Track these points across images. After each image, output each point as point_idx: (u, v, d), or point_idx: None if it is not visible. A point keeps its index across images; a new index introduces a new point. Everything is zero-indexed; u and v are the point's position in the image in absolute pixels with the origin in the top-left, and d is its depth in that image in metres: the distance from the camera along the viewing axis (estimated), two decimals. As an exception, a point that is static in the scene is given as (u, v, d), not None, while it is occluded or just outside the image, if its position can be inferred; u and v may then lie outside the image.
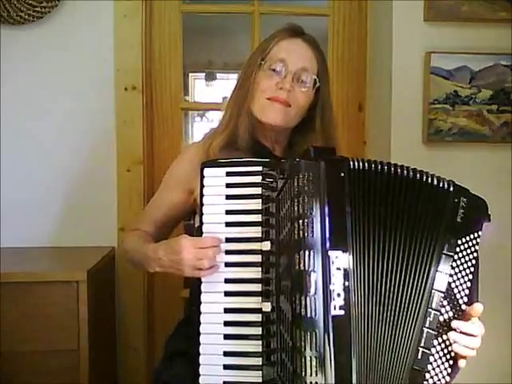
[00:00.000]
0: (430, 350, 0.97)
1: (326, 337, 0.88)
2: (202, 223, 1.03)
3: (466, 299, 1.00)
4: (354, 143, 1.98)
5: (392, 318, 0.95)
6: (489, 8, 1.72)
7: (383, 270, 0.95)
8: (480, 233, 1.03)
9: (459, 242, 1.00)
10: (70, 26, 1.78)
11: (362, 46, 1.97)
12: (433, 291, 0.98)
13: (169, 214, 1.25)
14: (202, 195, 1.04)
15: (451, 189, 1.02)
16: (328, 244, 0.90)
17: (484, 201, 1.05)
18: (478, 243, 1.02)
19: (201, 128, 4.17)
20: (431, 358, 0.97)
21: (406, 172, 1.00)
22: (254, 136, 1.24)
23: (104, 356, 1.68)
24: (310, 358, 0.88)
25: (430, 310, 0.97)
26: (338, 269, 0.90)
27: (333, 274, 0.89)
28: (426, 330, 0.97)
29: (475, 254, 1.02)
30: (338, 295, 0.89)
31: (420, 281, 0.97)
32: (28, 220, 1.81)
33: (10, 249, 1.75)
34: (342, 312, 0.89)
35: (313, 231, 0.90)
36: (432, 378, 0.98)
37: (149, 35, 1.88)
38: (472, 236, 1.02)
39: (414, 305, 0.97)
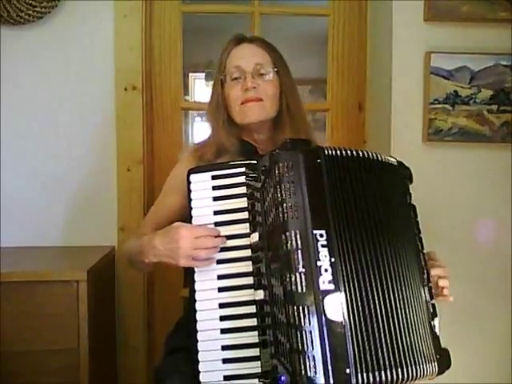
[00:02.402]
0: (432, 299, 1.06)
1: (319, 309, 0.90)
2: None
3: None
4: (354, 143, 1.98)
5: (392, 279, 0.98)
6: (489, 8, 1.72)
7: (369, 243, 0.98)
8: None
9: (412, 202, 1.13)
10: (70, 26, 1.78)
11: (362, 46, 1.97)
12: (420, 253, 1.08)
13: (169, 218, 1.26)
14: (190, 200, 1.10)
15: (395, 163, 1.13)
16: (311, 223, 0.95)
17: (408, 167, 1.16)
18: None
19: (201, 128, 4.17)
20: (436, 306, 1.06)
21: (373, 155, 1.07)
22: (241, 138, 1.32)
23: (104, 355, 1.68)
24: (305, 331, 0.90)
25: (422, 269, 1.06)
26: (323, 246, 0.94)
27: (319, 251, 0.93)
28: (425, 287, 1.05)
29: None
30: (326, 270, 0.93)
31: (408, 248, 1.05)
32: (28, 220, 1.81)
33: (9, 248, 1.75)
34: (332, 286, 0.92)
35: (296, 213, 0.95)
36: (437, 321, 1.05)
37: (149, 35, 1.89)
38: (412, 196, 1.13)
39: (410, 266, 1.03)
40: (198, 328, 1.03)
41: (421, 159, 1.76)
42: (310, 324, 0.90)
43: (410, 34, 1.74)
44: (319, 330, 0.89)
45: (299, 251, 0.93)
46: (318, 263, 0.93)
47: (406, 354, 0.95)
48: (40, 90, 1.79)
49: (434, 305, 1.05)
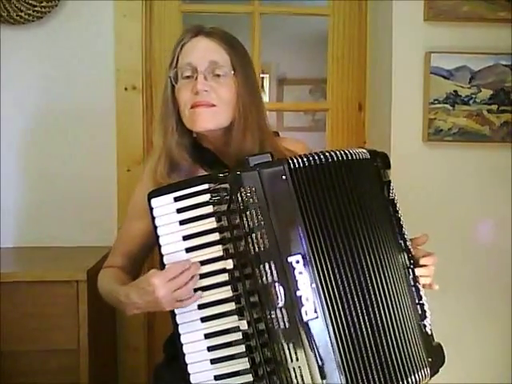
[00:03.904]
0: (422, 299, 1.02)
1: (305, 343, 0.88)
2: (162, 255, 1.01)
3: (408, 240, 1.06)
4: (354, 143, 1.98)
5: (376, 295, 0.95)
6: (489, 8, 1.73)
7: (349, 256, 0.94)
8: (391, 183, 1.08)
9: (390, 197, 1.06)
10: (70, 25, 1.78)
11: (362, 46, 1.97)
12: (402, 253, 1.03)
13: (138, 244, 1.21)
14: (155, 227, 1.01)
15: (368, 155, 1.04)
16: (284, 251, 0.90)
17: (385, 153, 1.09)
18: (393, 188, 1.07)
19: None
20: (425, 306, 1.02)
21: (342, 155, 0.99)
22: (199, 144, 1.19)
23: (104, 356, 1.68)
24: (294, 368, 0.88)
25: (407, 269, 1.02)
26: (301, 273, 0.90)
27: (297, 280, 0.89)
28: (412, 288, 1.02)
29: (397, 199, 1.07)
30: (307, 299, 0.89)
31: (389, 250, 1.00)
32: (28, 220, 1.81)
33: (9, 249, 1.75)
34: (315, 315, 0.89)
35: (268, 242, 0.90)
36: (426, 320, 1.03)
37: (149, 35, 1.88)
38: (392, 187, 1.06)
39: (395, 273, 0.99)
40: (187, 361, 0.98)
41: (421, 159, 1.76)
42: (297, 360, 0.88)
43: (409, 34, 1.74)
44: (307, 364, 0.88)
45: (276, 284, 0.89)
46: (298, 293, 0.89)
47: (396, 369, 0.94)
48: (40, 89, 1.79)
49: (423, 305, 1.02)
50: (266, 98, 3.95)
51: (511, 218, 1.80)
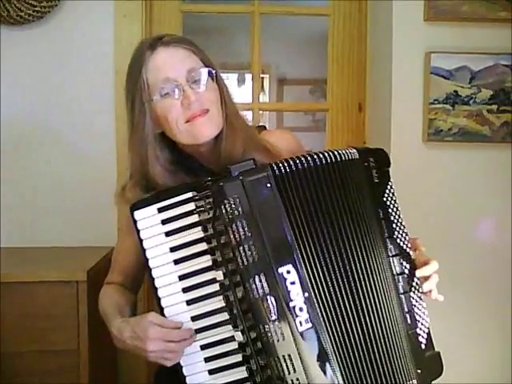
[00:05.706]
0: (412, 309, 0.99)
1: (302, 354, 0.88)
2: (150, 269, 0.98)
3: (408, 243, 1.02)
4: (354, 143, 1.98)
5: (367, 303, 0.94)
6: (489, 8, 1.73)
7: (339, 263, 0.93)
8: (391, 182, 1.02)
9: (384, 199, 1.01)
10: (70, 25, 1.78)
11: (362, 46, 1.97)
12: (391, 259, 0.99)
13: (133, 260, 1.17)
14: (140, 240, 0.98)
15: (357, 155, 0.99)
16: (274, 262, 0.88)
17: (383, 150, 1.04)
18: (392, 188, 1.02)
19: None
20: (416, 316, 1.00)
21: (330, 157, 0.96)
22: (176, 150, 1.12)
23: (104, 356, 1.67)
24: (292, 380, 0.88)
25: (397, 276, 0.99)
26: (293, 283, 0.88)
27: (289, 291, 0.88)
28: (402, 296, 0.98)
29: (396, 200, 1.02)
30: (301, 310, 0.88)
31: (378, 257, 0.97)
32: (28, 220, 1.81)
33: (9, 249, 1.75)
34: (310, 325, 0.88)
35: (256, 254, 0.88)
36: (421, 328, 1.00)
37: (149, 35, 1.88)
38: (389, 187, 1.02)
39: (383, 280, 0.97)
40: (185, 373, 0.96)
41: (421, 159, 1.76)
42: (294, 371, 0.87)
43: (410, 33, 1.74)
44: (307, 376, 0.88)
45: (267, 297, 0.87)
46: (291, 304, 0.88)
47: (388, 379, 0.94)
48: (40, 90, 1.79)
49: (413, 314, 0.99)
50: (266, 98, 3.95)
51: (511, 217, 1.80)
